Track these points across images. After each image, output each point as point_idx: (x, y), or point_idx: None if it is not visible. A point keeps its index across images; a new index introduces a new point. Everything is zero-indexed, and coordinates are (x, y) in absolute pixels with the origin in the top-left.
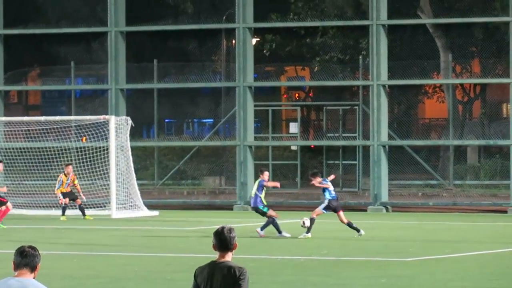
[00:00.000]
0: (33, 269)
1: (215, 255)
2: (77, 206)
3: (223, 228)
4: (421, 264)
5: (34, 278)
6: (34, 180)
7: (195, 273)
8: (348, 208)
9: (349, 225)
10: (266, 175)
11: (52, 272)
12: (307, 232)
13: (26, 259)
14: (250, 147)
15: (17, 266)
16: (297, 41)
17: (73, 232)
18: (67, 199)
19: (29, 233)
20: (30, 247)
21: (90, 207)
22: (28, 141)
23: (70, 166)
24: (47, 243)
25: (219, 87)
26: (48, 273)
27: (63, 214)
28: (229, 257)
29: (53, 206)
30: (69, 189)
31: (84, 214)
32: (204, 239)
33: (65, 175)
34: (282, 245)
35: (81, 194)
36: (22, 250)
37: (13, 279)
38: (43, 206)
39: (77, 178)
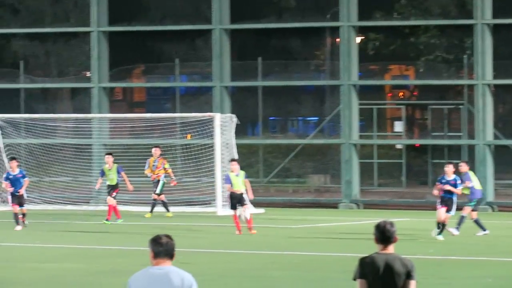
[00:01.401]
0: (171, 257)
1: (321, 253)
2: (161, 202)
3: (385, 222)
4: None
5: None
6: (139, 177)
7: (360, 262)
8: None
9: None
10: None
11: None
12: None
13: (165, 247)
14: (355, 145)
15: (157, 255)
16: (401, 40)
17: (178, 229)
18: (162, 196)
19: (134, 229)
20: (166, 235)
21: (195, 204)
22: (133, 138)
23: (158, 148)
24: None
25: (324, 85)
26: None
27: (151, 211)
28: (391, 250)
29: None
30: (160, 175)
31: (167, 210)
32: (310, 236)
33: (152, 157)
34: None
35: (172, 177)
36: (159, 239)
37: (154, 268)
38: (149, 203)
39: (167, 163)
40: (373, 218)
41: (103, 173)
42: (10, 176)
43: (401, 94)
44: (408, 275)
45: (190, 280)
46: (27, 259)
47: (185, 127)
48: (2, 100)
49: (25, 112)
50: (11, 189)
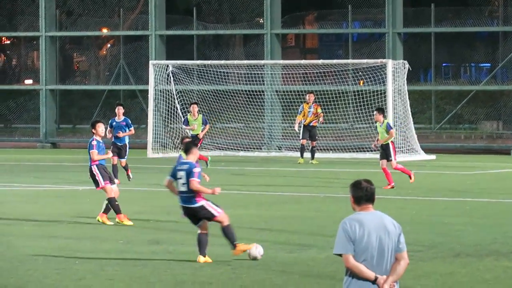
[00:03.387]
0: (373, 201)
1: (493, 200)
2: (310, 148)
3: None
4: None
5: None
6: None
7: None
8: None
9: None
10: None
11: (329, 216)
12: None
13: (367, 192)
14: None
15: (358, 200)
16: None
17: (350, 175)
18: (305, 141)
19: (306, 176)
20: (366, 180)
21: (366, 151)
22: (305, 84)
23: (312, 95)
24: (323, 186)
25: (497, 31)
26: (327, 216)
27: (301, 156)
28: None
29: (328, 148)
30: (312, 119)
31: (312, 157)
32: (481, 183)
33: (306, 103)
34: None
35: (320, 119)
36: (359, 184)
37: (366, 214)
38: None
39: (320, 107)
40: None
41: (187, 122)
42: (114, 123)
43: None
44: None
45: (399, 226)
46: None
47: (357, 74)
48: (175, 46)
49: (198, 59)
50: (109, 136)
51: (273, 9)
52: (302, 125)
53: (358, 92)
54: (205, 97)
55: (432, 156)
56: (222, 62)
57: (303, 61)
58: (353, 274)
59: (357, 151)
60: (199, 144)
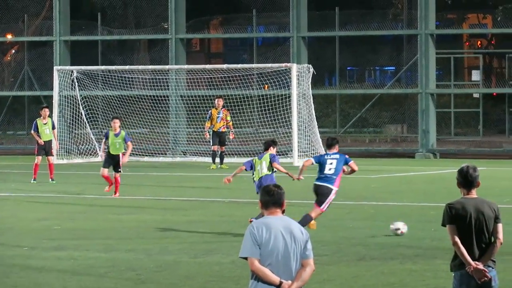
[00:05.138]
0: (280, 206)
1: (398, 203)
2: (219, 153)
3: (468, 166)
4: None
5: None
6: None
7: (448, 208)
8: None
9: None
10: None
11: (234, 220)
12: None
13: (274, 197)
14: (432, 94)
15: (266, 205)
16: None
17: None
18: (216, 147)
19: (210, 181)
20: (275, 185)
21: None
22: (210, 89)
23: (221, 99)
24: (228, 190)
25: (401, 34)
26: (232, 221)
27: (213, 162)
28: (475, 194)
29: (233, 153)
30: (222, 125)
31: (222, 162)
32: (386, 186)
33: (215, 108)
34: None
35: (231, 131)
36: (268, 189)
37: (274, 218)
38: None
39: (230, 114)
40: (450, 168)
41: (36, 127)
42: None
43: (478, 43)
44: (496, 219)
45: (307, 232)
46: (105, 210)
47: (262, 78)
48: (79, 52)
49: (103, 64)
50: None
51: (177, 14)
52: (212, 131)
53: (263, 96)
54: (110, 103)
55: None
56: (127, 67)
57: (207, 66)
58: (258, 278)
59: None
60: (57, 148)
